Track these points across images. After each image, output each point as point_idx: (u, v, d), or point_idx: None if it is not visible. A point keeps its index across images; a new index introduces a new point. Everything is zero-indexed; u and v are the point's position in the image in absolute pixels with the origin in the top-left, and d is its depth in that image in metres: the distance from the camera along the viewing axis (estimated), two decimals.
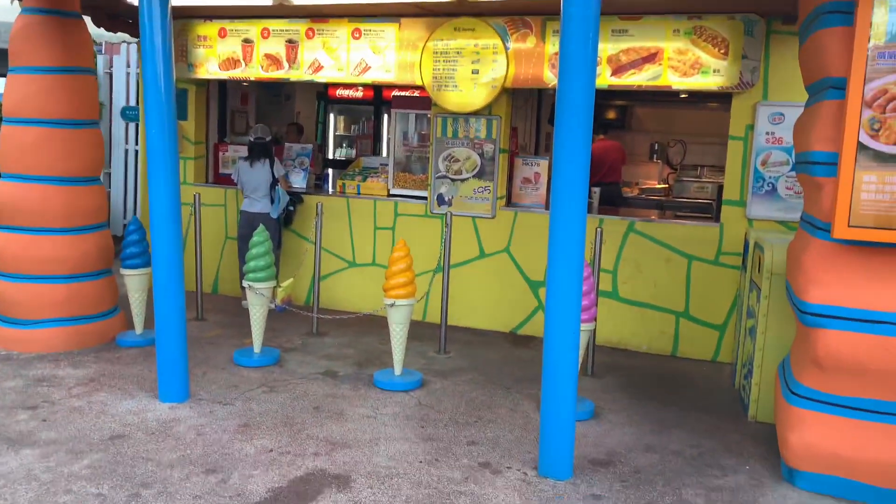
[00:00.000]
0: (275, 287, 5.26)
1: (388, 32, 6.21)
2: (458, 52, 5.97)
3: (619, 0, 5.34)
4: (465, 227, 6.27)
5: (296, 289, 6.26)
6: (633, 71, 5.61)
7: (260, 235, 5.11)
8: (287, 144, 7.39)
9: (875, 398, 3.44)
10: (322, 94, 9.38)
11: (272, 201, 6.45)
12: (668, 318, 5.84)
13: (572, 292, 3.52)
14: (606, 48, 5.64)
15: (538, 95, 9.13)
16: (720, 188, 8.90)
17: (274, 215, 6.42)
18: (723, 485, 3.58)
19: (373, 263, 6.58)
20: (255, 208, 6.45)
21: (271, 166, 6.45)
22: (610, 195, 8.02)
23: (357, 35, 6.30)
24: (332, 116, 9.44)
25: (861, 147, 3.24)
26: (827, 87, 3.46)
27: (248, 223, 6.47)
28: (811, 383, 3.58)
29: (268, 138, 6.50)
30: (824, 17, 3.39)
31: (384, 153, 8.72)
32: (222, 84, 7.61)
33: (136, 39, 8.35)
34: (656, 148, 9.32)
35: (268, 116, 8.95)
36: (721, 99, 9.04)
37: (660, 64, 5.54)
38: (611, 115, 9.65)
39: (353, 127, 9.41)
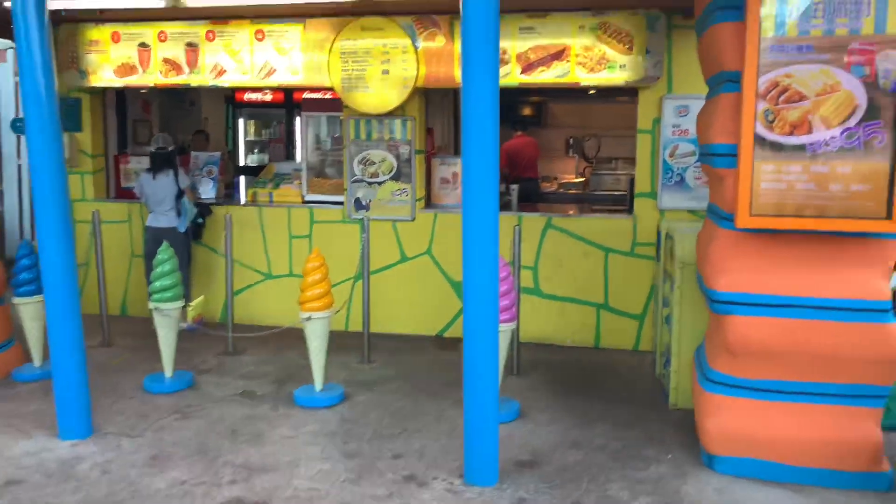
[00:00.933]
0: (184, 306, 4.99)
1: (292, 33, 6.02)
2: (366, 52, 5.84)
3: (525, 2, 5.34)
4: (384, 232, 6.15)
5: (208, 306, 6.01)
6: (542, 68, 5.63)
7: (164, 253, 4.84)
8: (193, 153, 7.07)
9: (782, 379, 3.55)
10: (230, 99, 9.05)
11: (178, 214, 6.14)
12: (589, 311, 5.90)
13: (489, 293, 3.47)
14: (515, 46, 5.63)
15: (453, 95, 9.10)
16: (633, 180, 9.19)
17: (181, 229, 6.12)
18: (646, 476, 3.62)
19: (290, 274, 6.37)
20: (161, 223, 6.13)
21: (176, 177, 6.14)
22: (528, 192, 8.08)
23: (260, 37, 6.07)
24: (241, 121, 9.12)
25: (758, 138, 3.32)
26: (724, 81, 3.54)
27: (154, 239, 6.13)
28: (724, 369, 3.66)
29: (171, 148, 6.19)
30: (717, 13, 3.46)
31: (298, 158, 8.50)
32: (120, 92, 7.21)
33: None
34: (572, 143, 9.47)
35: (173, 124, 8.56)
36: (630, 93, 9.26)
37: (567, 60, 5.58)
38: (526, 111, 9.73)
39: (264, 131, 9.13)
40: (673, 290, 4.62)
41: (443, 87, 6.09)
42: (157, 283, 4.82)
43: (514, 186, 6.78)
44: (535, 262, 5.92)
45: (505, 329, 4.21)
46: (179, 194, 6.15)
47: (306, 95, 7.99)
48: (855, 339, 3.40)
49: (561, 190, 9.13)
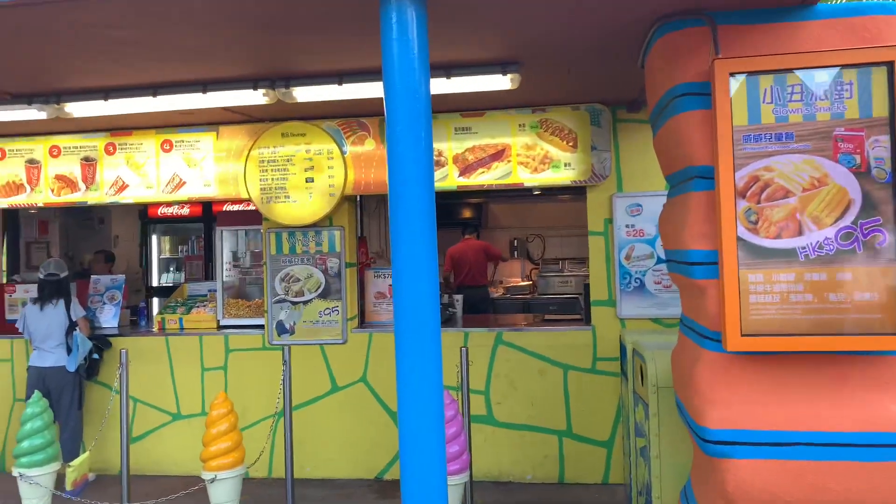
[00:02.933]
0: (67, 465, 4.05)
1: (203, 143, 5.42)
2: (287, 160, 5.26)
3: (458, 97, 4.90)
4: (312, 358, 5.37)
5: (103, 457, 5.01)
6: (481, 170, 5.15)
7: (34, 405, 3.96)
8: (94, 277, 6.23)
9: None
10: (143, 214, 8.31)
11: (69, 351, 5.24)
12: (551, 440, 5.16)
13: (431, 441, 2.73)
14: (451, 147, 5.16)
15: (386, 200, 8.61)
16: (585, 282, 8.74)
17: (71, 368, 5.20)
18: None
19: (202, 413, 5.45)
20: (47, 362, 5.21)
21: (67, 308, 5.28)
22: (474, 300, 7.48)
23: (167, 147, 5.45)
24: (154, 238, 8.35)
25: (741, 243, 2.79)
26: (692, 178, 3.04)
27: (38, 381, 5.20)
28: None
29: (62, 274, 5.37)
30: (678, 101, 3.00)
31: None
32: (11, 213, 6.41)
33: None
34: (515, 244, 9.02)
35: (78, 245, 7.75)
36: (574, 191, 8.99)
37: (508, 161, 5.12)
38: (466, 213, 9.30)
39: (180, 248, 8.37)
40: (648, 419, 3.95)
41: (374, 194, 5.52)
42: (25, 444, 3.89)
43: (458, 297, 6.16)
44: (486, 384, 5.21)
45: (456, 483, 3.43)
46: (71, 327, 5.28)
47: (226, 208, 7.34)
48: (878, 483, 2.77)
49: (508, 295, 8.56)
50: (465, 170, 5.16)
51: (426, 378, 2.84)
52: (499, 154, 5.13)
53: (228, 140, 5.39)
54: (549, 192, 9.01)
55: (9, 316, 5.99)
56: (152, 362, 5.53)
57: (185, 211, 8.16)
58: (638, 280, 5.10)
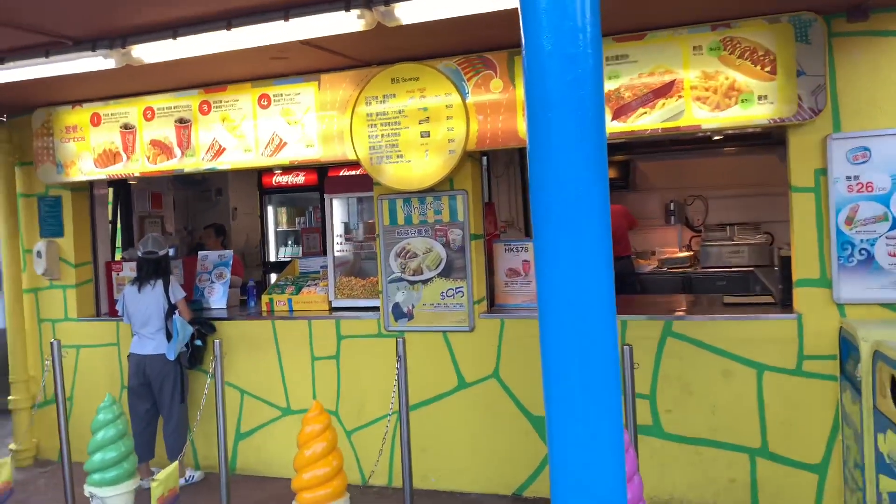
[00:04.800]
0: (140, 485, 3.45)
1: (304, 95, 4.63)
2: (399, 112, 4.36)
3: (609, 15, 3.74)
4: (434, 347, 4.50)
5: (210, 453, 4.46)
6: (643, 110, 3.97)
7: (106, 411, 3.36)
8: (201, 254, 5.71)
9: None
10: (259, 184, 7.81)
11: (169, 337, 4.72)
12: (739, 459, 3.97)
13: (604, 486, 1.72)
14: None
15: (519, 156, 7.55)
16: (763, 250, 7.26)
17: (171, 356, 4.68)
18: None
19: None
20: (147, 349, 4.72)
21: (166, 289, 4.75)
22: (620, 275, 6.30)
23: (265, 103, 4.72)
24: (270, 209, 7.82)
25: None
26: None
27: (139, 370, 4.73)
28: None
29: (161, 252, 4.84)
30: None
31: None
32: (123, 185, 6.04)
33: None
34: (672, 208, 7.64)
35: (197, 219, 7.36)
36: (745, 139, 7.47)
37: (680, 96, 3.90)
38: (609, 173, 8.02)
39: (298, 220, 7.81)
40: None
41: (504, 148, 4.50)
42: (97, 457, 3.31)
43: None
44: (652, 387, 4.09)
45: None
46: (170, 311, 4.74)
47: (344, 172, 6.61)
48: None
49: (664, 268, 7.27)
50: (620, 111, 4.00)
51: (598, 404, 1.82)
52: (666, 88, 3.92)
53: (331, 91, 4.57)
54: (710, 144, 7.55)
55: (116, 296, 5.61)
56: (259, 349, 4.91)
57: (301, 179, 7.55)
58: (864, 252, 3.74)
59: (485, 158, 5.88)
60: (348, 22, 3.20)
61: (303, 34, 3.36)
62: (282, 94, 4.68)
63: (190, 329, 4.80)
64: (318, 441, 2.98)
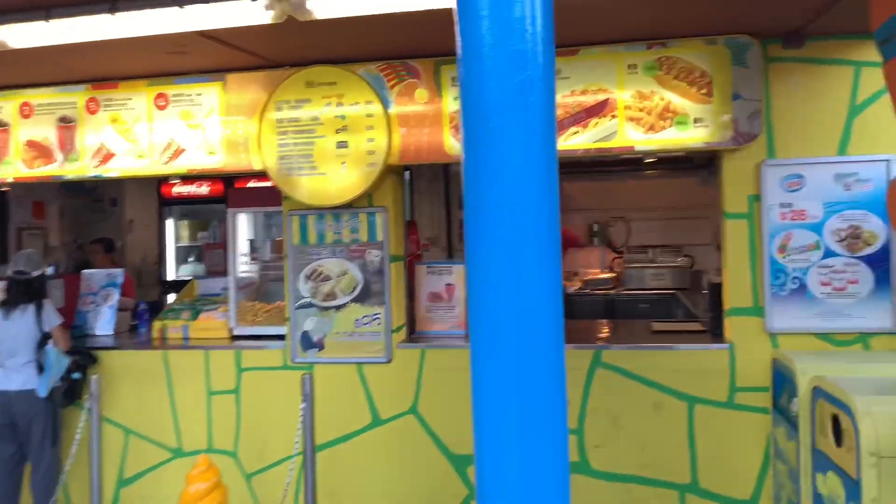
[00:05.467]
0: None
1: (207, 96, 4.17)
2: (314, 119, 3.97)
3: None
4: (346, 381, 4.10)
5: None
6: (575, 129, 3.74)
7: None
8: (86, 273, 5.08)
9: None
10: (158, 193, 7.16)
11: (41, 370, 4.10)
12: (669, 496, 3.77)
13: None
14: None
15: (444, 171, 7.28)
16: (684, 273, 7.25)
17: (42, 393, 4.06)
18: None
19: (209, 449, 4.24)
20: (13, 384, 4.09)
21: (38, 315, 4.14)
22: None
23: (162, 102, 4.22)
24: (170, 222, 7.17)
25: None
26: None
27: (3, 409, 4.10)
28: None
29: (34, 272, 4.22)
30: None
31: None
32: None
33: None
34: (595, 229, 7.56)
35: (87, 232, 6.65)
36: (667, 163, 7.49)
37: (613, 116, 3.70)
38: None
39: (200, 234, 7.21)
40: (855, 500, 2.52)
41: (427, 163, 4.19)
42: None
43: None
44: (580, 421, 3.84)
45: None
46: (43, 340, 4.13)
47: (252, 184, 6.13)
48: None
49: (587, 290, 7.13)
50: None
51: (541, 444, 1.58)
52: (599, 107, 3.72)
53: (238, 93, 4.13)
54: (632, 164, 7.55)
55: None
56: (148, 383, 4.35)
57: (205, 189, 6.98)
58: (796, 280, 3.63)
59: (407, 173, 5.55)
60: (254, 13, 2.81)
61: (201, 24, 2.94)
62: (182, 94, 4.19)
63: (66, 360, 4.19)
64: (203, 503, 2.53)
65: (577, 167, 7.62)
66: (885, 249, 3.54)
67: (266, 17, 2.81)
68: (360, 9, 2.77)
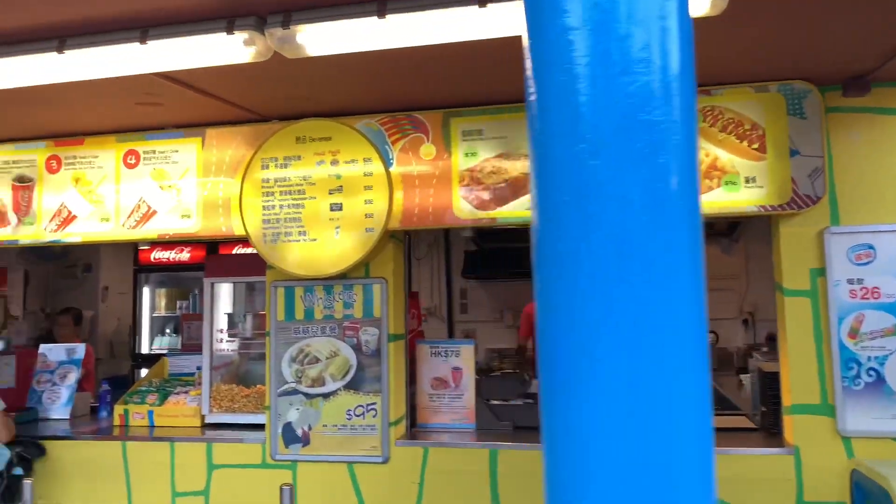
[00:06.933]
0: None
1: (184, 154, 3.67)
2: (304, 179, 3.46)
3: None
4: (335, 483, 3.45)
5: None
6: None
7: None
8: (43, 348, 4.48)
9: None
10: (134, 259, 6.59)
11: None
12: None
13: None
14: None
15: (445, 235, 6.77)
16: (711, 352, 6.64)
17: None
18: None
19: None
20: None
21: None
22: None
23: (132, 160, 3.72)
24: (146, 290, 6.59)
25: None
26: None
27: None
28: None
29: None
30: None
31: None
32: None
33: None
34: None
35: (57, 300, 6.07)
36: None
37: None
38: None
39: (179, 304, 6.62)
40: None
41: (433, 228, 3.67)
42: None
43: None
44: None
45: None
46: None
47: (237, 250, 5.60)
48: None
49: None
50: None
51: None
52: None
53: (219, 150, 3.63)
54: None
55: None
56: (103, 479, 3.70)
57: (185, 255, 6.43)
58: (872, 372, 3.05)
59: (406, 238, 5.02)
60: (232, 50, 2.33)
61: (168, 64, 2.44)
62: (154, 152, 3.70)
63: (7, 453, 3.56)
64: None
65: None
66: None
67: (246, 55, 2.32)
68: (362, 44, 2.28)
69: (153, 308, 6.71)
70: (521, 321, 6.13)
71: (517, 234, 7.36)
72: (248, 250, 5.62)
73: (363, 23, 2.13)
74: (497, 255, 7.39)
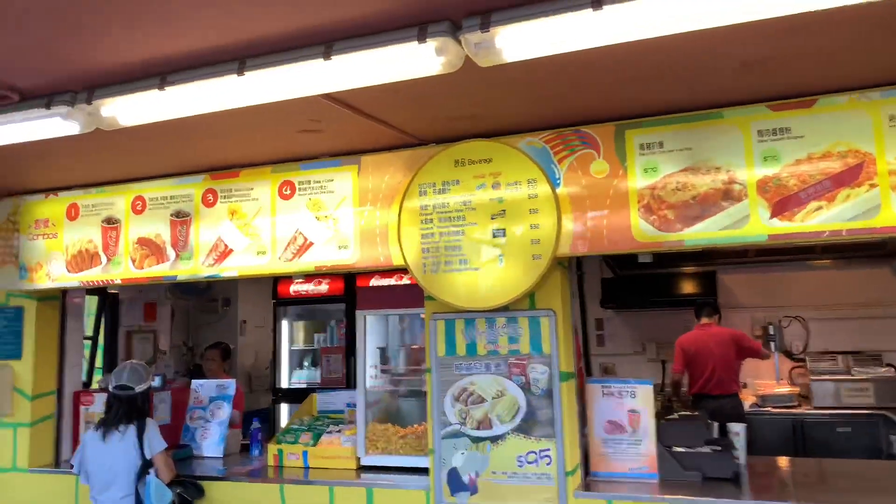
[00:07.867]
0: None
1: (340, 183, 3.55)
2: (464, 204, 3.24)
3: (757, 72, 2.67)
4: None
5: None
6: (816, 203, 2.80)
7: None
8: (195, 384, 4.47)
9: None
10: (273, 292, 6.62)
11: (138, 503, 3.41)
12: None
13: None
14: (751, 166, 2.89)
15: (578, 264, 6.36)
16: (890, 387, 5.89)
17: None
18: None
19: None
20: None
21: (139, 438, 3.49)
22: (722, 416, 4.88)
23: (288, 192, 3.64)
24: (285, 323, 6.57)
25: None
26: None
27: None
28: None
29: (139, 387, 3.62)
30: None
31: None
32: (110, 294, 4.91)
33: None
34: (772, 332, 6.33)
35: (199, 334, 6.17)
36: (850, 250, 6.29)
37: (872, 185, 2.74)
38: (688, 287, 6.81)
39: (317, 337, 6.55)
40: None
41: (609, 254, 3.34)
42: None
43: (739, 430, 3.65)
44: None
45: None
46: (143, 469, 3.46)
47: (374, 282, 5.47)
48: None
49: (765, 408, 5.87)
50: (783, 205, 2.84)
51: None
52: (851, 173, 2.77)
53: (374, 176, 3.48)
54: (804, 253, 6.40)
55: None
56: None
57: (324, 287, 6.37)
58: None
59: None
60: (421, 60, 2.13)
61: (355, 80, 2.27)
62: (310, 182, 3.60)
63: (169, 495, 3.49)
64: None
65: (732, 256, 6.59)
66: None
67: (436, 65, 2.11)
68: (570, 44, 2.01)
69: (291, 341, 6.71)
70: (676, 354, 5.63)
71: (659, 260, 6.90)
72: (392, 281, 5.50)
73: (573, 18, 1.88)
74: (637, 281, 6.94)
